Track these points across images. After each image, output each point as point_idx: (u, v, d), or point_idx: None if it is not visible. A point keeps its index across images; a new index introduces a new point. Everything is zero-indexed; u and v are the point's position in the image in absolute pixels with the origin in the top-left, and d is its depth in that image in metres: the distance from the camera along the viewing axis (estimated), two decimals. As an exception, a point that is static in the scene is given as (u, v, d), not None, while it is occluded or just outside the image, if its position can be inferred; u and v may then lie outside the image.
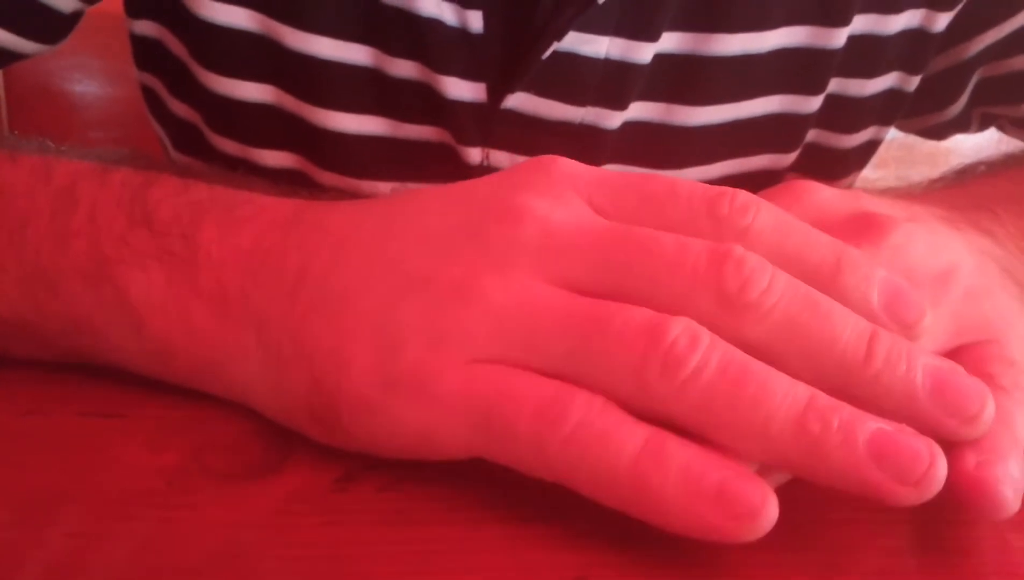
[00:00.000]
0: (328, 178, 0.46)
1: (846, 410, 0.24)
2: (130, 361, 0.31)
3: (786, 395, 0.24)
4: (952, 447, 0.25)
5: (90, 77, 0.87)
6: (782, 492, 0.26)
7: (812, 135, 0.48)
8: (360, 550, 0.25)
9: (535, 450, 0.25)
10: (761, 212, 0.27)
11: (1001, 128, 0.53)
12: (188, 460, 0.28)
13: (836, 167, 0.50)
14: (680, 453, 0.24)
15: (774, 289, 0.25)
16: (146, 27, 0.48)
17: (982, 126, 0.54)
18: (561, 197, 0.28)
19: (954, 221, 0.34)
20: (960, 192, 0.38)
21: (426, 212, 0.29)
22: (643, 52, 0.42)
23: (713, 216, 0.27)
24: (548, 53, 0.41)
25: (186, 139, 0.49)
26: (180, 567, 0.24)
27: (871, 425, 0.24)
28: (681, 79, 0.44)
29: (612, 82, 0.43)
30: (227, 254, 0.30)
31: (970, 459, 0.25)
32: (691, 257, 0.26)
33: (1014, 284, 0.33)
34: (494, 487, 0.26)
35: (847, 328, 0.25)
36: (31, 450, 0.29)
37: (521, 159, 0.44)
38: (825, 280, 0.26)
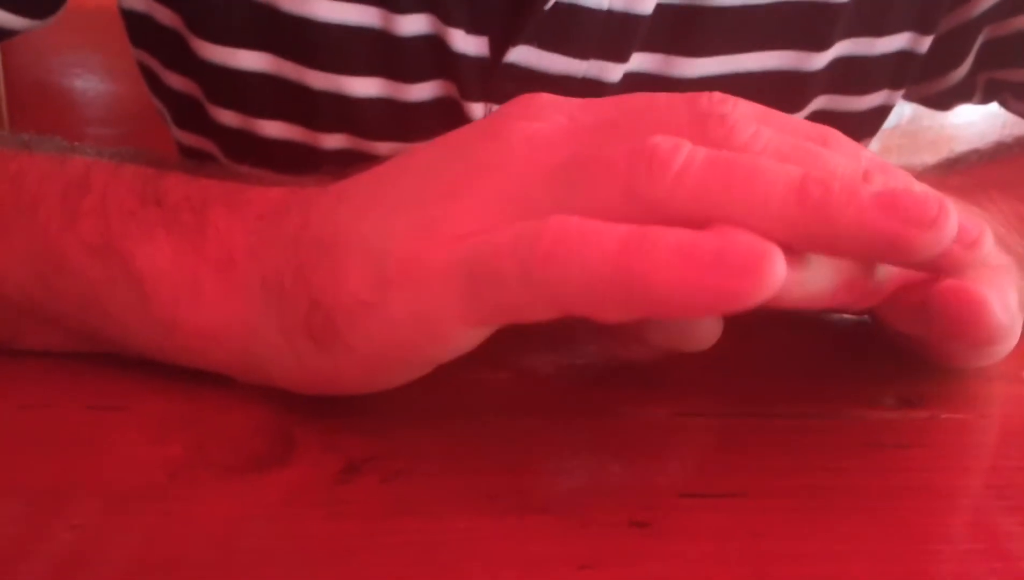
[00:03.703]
0: (330, 142, 0.46)
1: (844, 177, 0.24)
2: (134, 337, 0.31)
3: (780, 171, 0.24)
4: (938, 283, 0.26)
5: (90, 73, 0.87)
6: (777, 488, 0.26)
7: (823, 101, 0.48)
8: (364, 542, 0.25)
9: (521, 280, 0.24)
10: (740, 103, 0.27)
11: (1004, 103, 0.53)
12: (191, 453, 0.28)
13: (848, 133, 0.50)
14: (667, 234, 0.23)
15: (761, 135, 0.25)
16: (134, 1, 0.48)
17: (986, 96, 0.53)
18: (544, 115, 0.28)
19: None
20: (954, 178, 0.38)
21: (420, 153, 0.29)
22: (645, 3, 0.42)
23: (693, 110, 0.27)
24: (550, 4, 0.41)
25: (186, 113, 0.49)
26: (183, 560, 0.24)
27: (872, 185, 0.24)
28: (680, 29, 0.44)
29: (614, 34, 0.43)
30: (235, 225, 0.30)
31: (955, 283, 0.25)
32: (674, 120, 0.26)
33: (1006, 251, 0.33)
34: (498, 477, 0.26)
35: (840, 166, 0.25)
36: (33, 443, 0.29)
37: None
38: None
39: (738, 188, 0.24)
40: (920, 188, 0.26)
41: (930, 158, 0.43)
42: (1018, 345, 0.30)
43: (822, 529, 0.26)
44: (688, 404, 0.31)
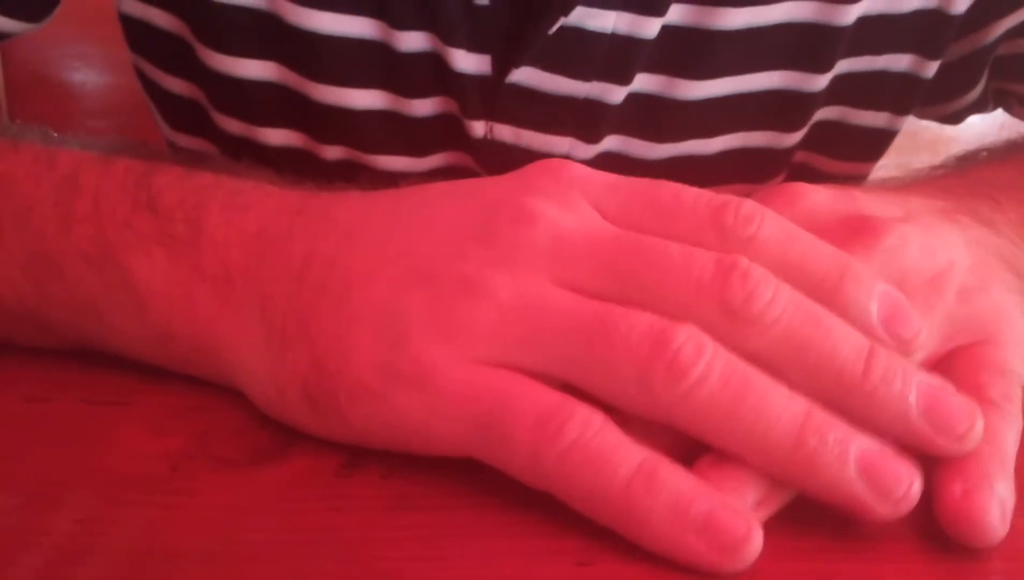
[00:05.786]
0: (332, 152, 0.46)
1: (840, 428, 0.25)
2: (131, 346, 0.31)
3: (785, 409, 0.25)
4: (940, 473, 0.26)
5: (89, 66, 0.87)
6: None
7: (822, 113, 0.48)
8: (363, 535, 0.25)
9: (530, 461, 0.25)
10: (766, 222, 0.28)
11: (1009, 109, 0.53)
12: (192, 446, 0.28)
13: (851, 148, 0.50)
14: (672, 480, 0.25)
15: (777, 302, 0.26)
16: (132, 7, 0.47)
17: (996, 104, 0.53)
18: (570, 201, 0.28)
19: (952, 213, 0.33)
20: (961, 180, 0.38)
21: (434, 207, 0.29)
22: (650, 27, 0.42)
23: (718, 225, 0.28)
24: (555, 28, 0.41)
25: (185, 117, 0.49)
26: (184, 552, 0.24)
27: (862, 443, 0.25)
28: (684, 52, 0.44)
29: (618, 56, 0.42)
30: (232, 237, 0.30)
31: (956, 487, 0.26)
32: (696, 267, 0.26)
33: (1013, 275, 0.32)
34: (497, 473, 0.27)
35: (847, 344, 0.26)
36: (35, 436, 0.29)
37: (525, 133, 0.44)
38: (827, 291, 0.27)
39: (742, 418, 0.25)
40: (902, 454, 0.26)
41: (929, 158, 0.43)
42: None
43: (818, 525, 0.26)
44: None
